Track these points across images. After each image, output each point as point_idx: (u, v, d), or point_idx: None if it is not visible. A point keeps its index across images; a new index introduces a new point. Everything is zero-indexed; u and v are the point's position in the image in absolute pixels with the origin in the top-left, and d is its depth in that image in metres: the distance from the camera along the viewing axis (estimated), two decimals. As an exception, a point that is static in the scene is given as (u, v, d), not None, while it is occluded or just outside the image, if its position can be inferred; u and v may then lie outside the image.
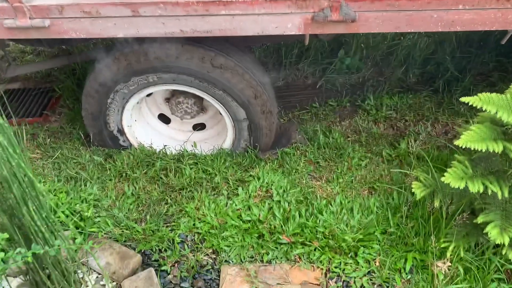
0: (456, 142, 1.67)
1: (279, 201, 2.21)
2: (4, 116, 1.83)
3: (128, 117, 2.52)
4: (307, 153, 2.57)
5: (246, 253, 2.00)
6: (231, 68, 2.26)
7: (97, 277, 1.94)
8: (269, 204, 2.20)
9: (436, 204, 1.89)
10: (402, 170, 2.34)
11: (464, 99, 1.72)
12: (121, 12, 1.99)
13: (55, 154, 2.61)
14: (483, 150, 1.62)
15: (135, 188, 2.30)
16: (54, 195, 2.23)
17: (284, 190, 2.27)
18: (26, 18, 2.03)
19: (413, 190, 1.95)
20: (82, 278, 1.89)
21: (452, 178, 1.71)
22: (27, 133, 2.85)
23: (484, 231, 1.71)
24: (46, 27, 2.06)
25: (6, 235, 1.30)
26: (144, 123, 2.71)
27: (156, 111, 2.79)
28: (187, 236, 2.08)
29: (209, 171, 2.39)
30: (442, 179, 1.73)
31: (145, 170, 2.41)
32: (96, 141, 2.62)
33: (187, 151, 2.60)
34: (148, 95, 2.53)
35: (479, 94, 1.72)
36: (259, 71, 2.43)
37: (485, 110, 1.67)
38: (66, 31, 2.10)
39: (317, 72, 3.32)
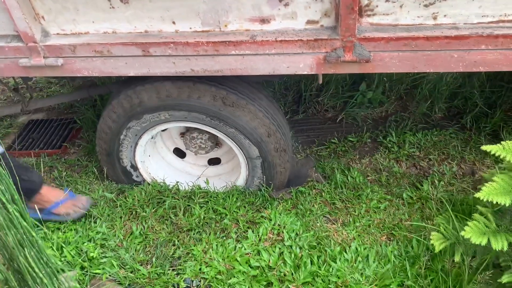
0: (477, 195, 1.55)
1: (291, 246, 2.11)
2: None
3: (141, 153, 2.50)
4: (323, 193, 2.46)
5: (253, 302, 1.90)
6: (243, 106, 2.20)
7: (98, 322, 1.89)
8: (280, 249, 2.10)
9: (457, 258, 1.74)
10: (420, 223, 2.20)
11: (486, 147, 1.59)
12: (131, 51, 1.99)
13: (69, 188, 2.60)
14: (507, 204, 1.49)
15: (144, 227, 2.26)
16: (63, 233, 2.21)
17: (296, 234, 2.17)
18: (40, 58, 2.05)
19: (432, 241, 1.81)
20: (83, 323, 1.85)
21: (473, 233, 1.58)
22: (45, 165, 2.87)
23: (509, 293, 1.56)
24: (59, 65, 2.08)
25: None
26: (158, 158, 2.68)
27: (171, 145, 2.76)
28: (192, 281, 2.00)
29: (219, 210, 2.32)
30: (462, 233, 1.60)
31: (155, 208, 2.36)
32: (109, 176, 2.61)
33: (199, 188, 2.54)
34: (163, 130, 2.50)
35: (502, 142, 1.59)
36: (273, 109, 2.36)
37: (509, 161, 1.54)
38: (78, 70, 2.11)
39: (338, 105, 3.22)
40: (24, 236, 1.49)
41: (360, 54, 1.85)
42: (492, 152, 1.56)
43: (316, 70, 1.95)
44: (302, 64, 1.94)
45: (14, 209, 1.41)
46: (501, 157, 1.53)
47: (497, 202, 1.53)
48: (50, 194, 2.17)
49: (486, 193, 1.53)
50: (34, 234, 1.48)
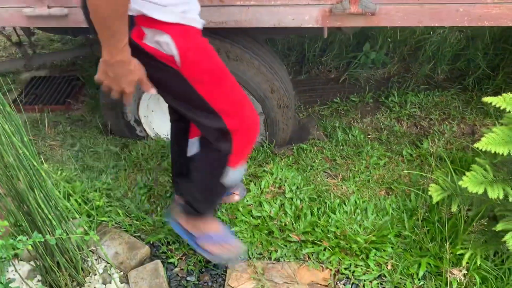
0: (476, 145, 1.58)
1: (292, 198, 2.16)
2: (19, 103, 1.86)
3: (145, 108, 2.52)
4: (324, 150, 2.50)
5: (255, 249, 1.96)
6: (247, 61, 2.21)
7: (105, 266, 1.95)
8: (281, 200, 2.15)
9: (454, 208, 1.80)
10: (420, 172, 2.25)
11: (487, 99, 1.62)
12: (136, 2, 1.98)
13: (74, 142, 2.64)
14: (505, 154, 1.52)
15: (148, 179, 2.31)
16: (69, 183, 2.25)
17: (297, 187, 2.22)
18: (45, 7, 2.05)
19: (430, 193, 1.86)
20: (90, 266, 1.91)
21: (471, 183, 1.62)
22: (50, 120, 2.90)
23: (502, 240, 1.61)
24: (64, 15, 2.07)
25: (5, 223, 1.31)
26: (161, 113, 2.70)
27: (174, 102, 2.78)
28: (196, 229, 2.06)
29: (222, 164, 2.36)
30: (460, 183, 1.64)
31: (159, 162, 2.40)
32: (113, 130, 2.64)
33: (202, 144, 2.58)
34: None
35: (503, 94, 1.61)
36: (277, 65, 2.37)
37: (510, 112, 1.56)
38: (84, 21, 2.10)
39: (341, 66, 3.22)
40: (34, 178, 1.53)
41: (366, 7, 1.84)
42: (493, 104, 1.59)
43: (321, 23, 1.96)
44: (308, 16, 1.94)
45: (25, 150, 1.44)
46: (502, 108, 1.56)
47: (495, 154, 1.57)
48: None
49: (485, 143, 1.56)
50: (44, 175, 1.52)
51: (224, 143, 1.57)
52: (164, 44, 1.34)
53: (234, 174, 1.67)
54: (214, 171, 1.68)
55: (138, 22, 1.32)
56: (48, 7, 2.05)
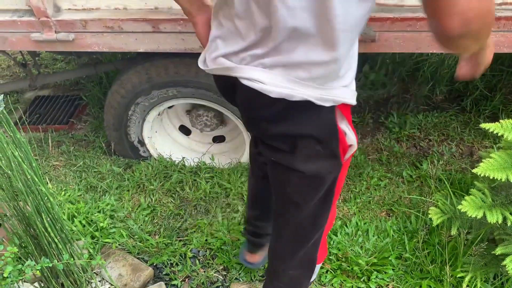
0: (475, 170, 1.61)
1: (293, 220, 2.18)
2: (27, 125, 1.89)
3: (148, 129, 2.55)
4: (325, 171, 2.53)
5: (257, 271, 1.98)
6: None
7: (109, 287, 1.97)
8: (283, 222, 2.17)
9: (453, 231, 1.82)
10: (420, 197, 2.28)
11: (485, 125, 1.66)
12: (142, 27, 2.03)
13: (77, 162, 2.67)
14: (503, 180, 1.56)
15: (151, 200, 2.33)
16: (73, 204, 2.28)
17: (299, 208, 2.24)
18: (52, 32, 2.10)
19: (430, 216, 1.89)
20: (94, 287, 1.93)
21: (470, 207, 1.65)
22: (53, 140, 2.93)
23: (502, 264, 1.63)
24: (71, 40, 2.12)
25: (15, 249, 1.33)
26: (164, 134, 2.74)
27: (177, 122, 2.82)
28: (199, 251, 2.08)
29: (224, 185, 2.39)
30: (459, 207, 1.67)
31: (162, 182, 2.43)
32: (117, 151, 2.67)
33: (205, 164, 2.61)
34: (170, 107, 2.56)
35: (501, 121, 1.65)
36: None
37: (507, 138, 1.60)
38: (89, 45, 2.15)
39: (341, 86, 3.27)
40: (41, 202, 1.56)
41: (366, 34, 1.89)
42: (491, 130, 1.62)
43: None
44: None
45: (34, 176, 1.47)
46: (499, 134, 1.59)
47: (493, 178, 1.60)
48: None
49: (483, 168, 1.60)
50: (52, 200, 1.54)
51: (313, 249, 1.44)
52: (347, 131, 1.10)
53: (317, 268, 1.74)
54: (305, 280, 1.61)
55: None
56: (56, 32, 2.10)
